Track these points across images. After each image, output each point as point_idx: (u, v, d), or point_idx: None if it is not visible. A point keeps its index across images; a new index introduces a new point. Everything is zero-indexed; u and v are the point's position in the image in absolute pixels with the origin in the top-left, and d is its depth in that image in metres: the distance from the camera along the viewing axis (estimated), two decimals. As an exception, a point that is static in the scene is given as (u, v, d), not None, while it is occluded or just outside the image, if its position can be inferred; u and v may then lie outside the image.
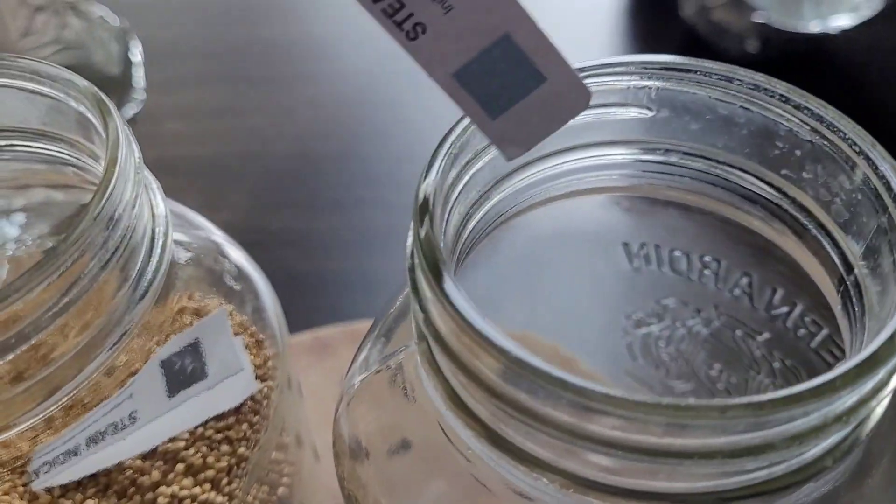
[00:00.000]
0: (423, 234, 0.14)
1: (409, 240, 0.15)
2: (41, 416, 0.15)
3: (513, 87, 0.15)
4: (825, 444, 0.13)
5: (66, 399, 0.15)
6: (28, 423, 0.15)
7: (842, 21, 0.46)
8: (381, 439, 0.19)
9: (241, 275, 0.23)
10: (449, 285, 0.13)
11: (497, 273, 0.21)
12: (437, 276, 0.13)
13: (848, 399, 0.12)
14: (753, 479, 0.13)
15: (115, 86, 0.41)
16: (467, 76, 0.15)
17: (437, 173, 0.15)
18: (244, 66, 0.52)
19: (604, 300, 0.25)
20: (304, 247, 0.42)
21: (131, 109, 0.41)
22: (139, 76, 0.42)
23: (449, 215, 0.16)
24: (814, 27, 0.46)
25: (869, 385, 0.12)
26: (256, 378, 0.22)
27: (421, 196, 0.15)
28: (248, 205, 0.44)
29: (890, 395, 0.13)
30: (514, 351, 0.12)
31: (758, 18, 0.46)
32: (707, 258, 0.22)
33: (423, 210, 0.14)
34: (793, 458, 0.13)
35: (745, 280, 0.22)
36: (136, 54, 0.41)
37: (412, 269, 0.14)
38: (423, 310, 0.14)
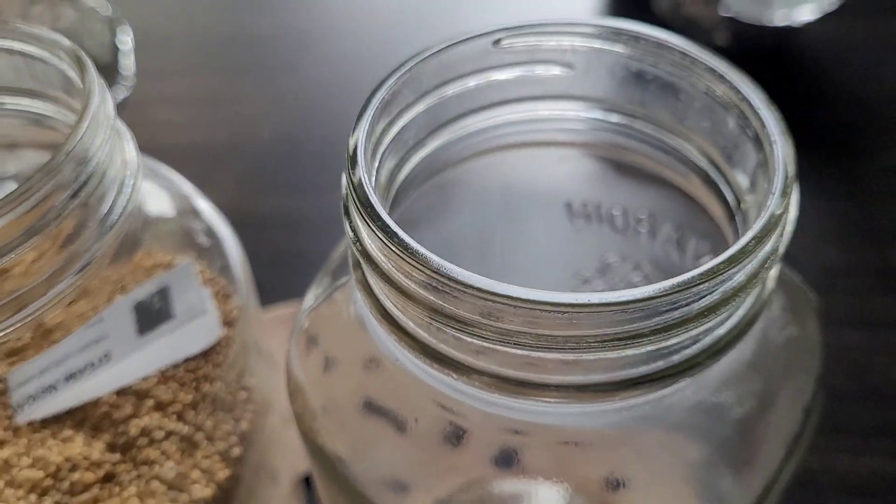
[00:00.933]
0: (355, 180, 0.16)
1: (343, 181, 0.16)
2: (11, 329, 0.17)
3: None
4: (698, 346, 0.15)
5: (36, 313, 0.17)
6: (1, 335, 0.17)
7: (805, 14, 0.48)
8: (330, 368, 0.20)
9: (210, 230, 0.25)
10: (371, 203, 0.15)
11: (442, 233, 0.23)
12: (365, 204, 0.15)
13: (707, 297, 0.14)
14: (636, 373, 0.15)
15: (106, 73, 0.43)
16: None
17: (366, 125, 0.17)
18: (232, 55, 0.54)
19: (548, 260, 0.27)
20: (289, 228, 0.43)
21: (119, 94, 0.43)
22: (127, 64, 0.44)
23: (382, 159, 0.18)
24: (779, 20, 0.48)
25: (718, 291, 0.14)
26: (223, 325, 0.24)
27: (350, 147, 0.16)
28: (236, 189, 0.45)
29: (752, 301, 0.15)
30: (431, 257, 0.14)
31: (724, 12, 0.48)
32: (640, 215, 0.24)
33: (353, 161, 0.16)
34: (671, 353, 0.15)
35: (674, 235, 0.23)
36: (126, 42, 0.44)
37: (344, 199, 0.16)
38: (353, 229, 0.16)
